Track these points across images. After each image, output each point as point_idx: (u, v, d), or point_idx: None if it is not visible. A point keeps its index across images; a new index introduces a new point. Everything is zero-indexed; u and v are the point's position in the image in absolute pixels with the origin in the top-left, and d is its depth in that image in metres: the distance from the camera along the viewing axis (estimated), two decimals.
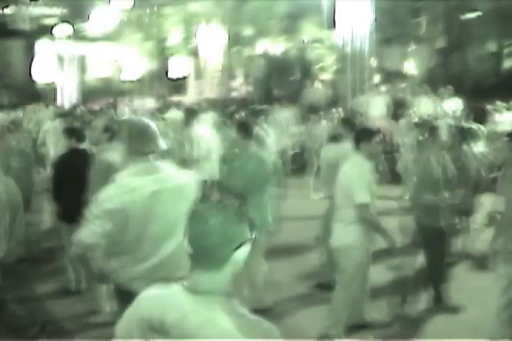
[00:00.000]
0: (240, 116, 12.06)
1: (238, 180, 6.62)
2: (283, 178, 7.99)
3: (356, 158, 6.27)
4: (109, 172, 4.75)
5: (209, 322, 2.26)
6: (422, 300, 7.10)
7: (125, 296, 4.18)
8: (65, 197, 7.32)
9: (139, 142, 4.25)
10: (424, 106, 15.97)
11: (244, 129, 7.21)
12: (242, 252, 2.36)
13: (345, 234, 6.19)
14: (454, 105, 15.72)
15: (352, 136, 6.61)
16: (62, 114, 14.57)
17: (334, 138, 8.33)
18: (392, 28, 20.26)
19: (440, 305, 7.03)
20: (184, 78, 22.75)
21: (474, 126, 9.52)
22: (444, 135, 8.20)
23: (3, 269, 5.88)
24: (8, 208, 5.68)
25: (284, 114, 15.45)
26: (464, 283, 7.58)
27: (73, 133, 7.79)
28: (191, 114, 10.10)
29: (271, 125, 11.73)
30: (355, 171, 6.16)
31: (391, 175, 12.03)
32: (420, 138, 9.27)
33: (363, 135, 6.37)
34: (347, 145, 7.01)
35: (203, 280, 2.35)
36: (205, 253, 2.33)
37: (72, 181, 6.97)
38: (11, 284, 6.37)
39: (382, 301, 7.07)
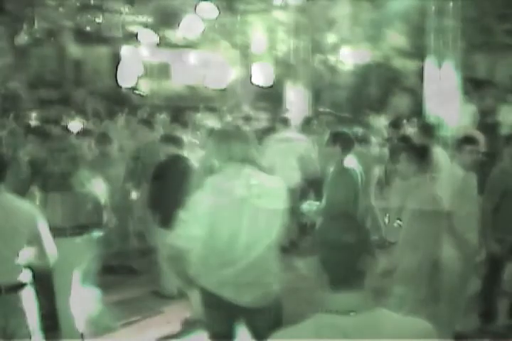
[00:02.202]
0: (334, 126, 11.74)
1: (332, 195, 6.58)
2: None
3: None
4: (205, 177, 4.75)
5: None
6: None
7: (212, 301, 4.24)
8: (165, 204, 7.14)
9: (230, 147, 4.29)
10: None
11: (344, 142, 6.63)
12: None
13: None
14: None
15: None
16: (146, 121, 14.60)
17: None
18: (479, 36, 19.86)
19: None
20: (270, 86, 22.74)
21: None
22: None
23: None
24: None
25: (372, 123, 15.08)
26: None
27: (172, 140, 7.83)
28: (285, 122, 10.30)
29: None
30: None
31: None
32: None
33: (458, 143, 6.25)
34: None
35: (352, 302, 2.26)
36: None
37: (173, 187, 6.86)
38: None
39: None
